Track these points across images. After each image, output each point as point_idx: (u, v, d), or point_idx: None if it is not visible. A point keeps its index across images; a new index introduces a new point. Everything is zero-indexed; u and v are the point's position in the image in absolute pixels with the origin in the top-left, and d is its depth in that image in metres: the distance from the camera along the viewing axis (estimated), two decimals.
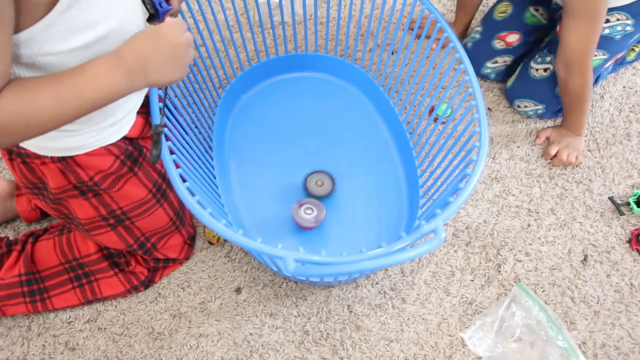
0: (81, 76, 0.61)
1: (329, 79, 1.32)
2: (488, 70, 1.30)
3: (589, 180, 1.20)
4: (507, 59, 1.28)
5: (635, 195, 1.16)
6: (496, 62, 1.28)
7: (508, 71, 1.31)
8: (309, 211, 1.06)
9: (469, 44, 1.32)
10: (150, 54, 0.65)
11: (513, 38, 1.26)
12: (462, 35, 1.43)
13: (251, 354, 0.98)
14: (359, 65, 1.29)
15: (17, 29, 0.57)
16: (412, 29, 1.40)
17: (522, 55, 1.29)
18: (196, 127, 1.11)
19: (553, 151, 1.21)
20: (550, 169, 1.21)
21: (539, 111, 1.25)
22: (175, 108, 1.00)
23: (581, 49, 1.05)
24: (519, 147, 1.24)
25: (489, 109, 1.31)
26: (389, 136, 1.22)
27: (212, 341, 1.00)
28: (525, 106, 1.25)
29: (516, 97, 1.26)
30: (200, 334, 1.01)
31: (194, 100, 1.12)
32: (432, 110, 1.22)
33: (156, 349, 0.99)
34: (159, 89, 0.88)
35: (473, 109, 0.94)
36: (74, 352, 0.99)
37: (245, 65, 1.30)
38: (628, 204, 1.16)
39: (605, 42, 1.15)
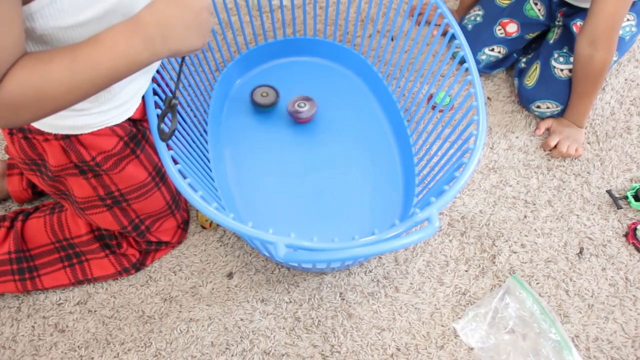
0: (97, 45, 0.57)
1: (327, 64, 1.30)
2: (483, 57, 1.27)
3: (588, 172, 1.19)
4: (502, 50, 1.26)
5: (633, 189, 1.14)
6: (493, 49, 1.26)
7: (496, 65, 1.29)
8: (302, 104, 1.17)
9: (469, 26, 1.30)
10: (171, 19, 0.60)
11: (512, 28, 1.25)
12: None
13: (241, 340, 0.98)
14: (358, 50, 1.27)
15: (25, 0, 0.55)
16: (413, 15, 1.38)
17: (512, 52, 1.29)
18: (191, 110, 1.10)
19: (553, 142, 1.20)
20: (549, 160, 1.20)
21: (556, 112, 1.22)
22: (171, 91, 0.98)
23: (612, 18, 1.04)
24: (517, 137, 1.23)
25: (488, 98, 1.29)
26: (386, 123, 1.21)
27: (203, 326, 0.99)
28: (547, 107, 1.21)
29: (539, 98, 1.21)
30: (190, 319, 1.00)
31: (189, 83, 1.10)
32: (430, 97, 1.21)
33: (146, 333, 0.98)
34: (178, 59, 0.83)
35: (471, 97, 0.92)
36: (63, 334, 0.98)
37: (242, 49, 1.28)
38: (626, 197, 1.15)
39: (618, 43, 1.13)
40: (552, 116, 1.24)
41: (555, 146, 1.20)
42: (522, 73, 1.26)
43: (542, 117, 1.25)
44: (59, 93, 0.56)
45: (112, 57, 0.58)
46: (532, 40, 1.31)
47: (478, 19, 1.29)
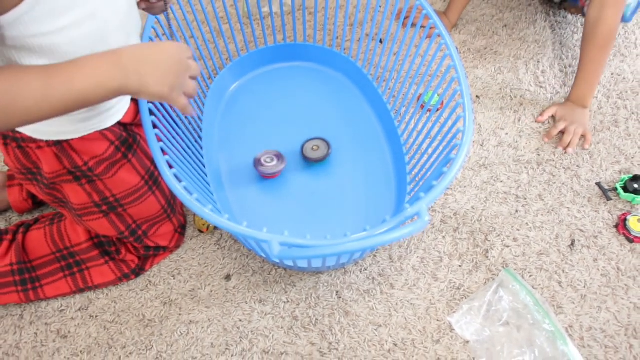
0: (73, 65, 0.60)
1: (318, 68, 1.32)
2: None
3: (577, 166, 1.21)
4: None
5: (622, 181, 1.16)
6: None
7: None
8: (269, 160, 1.12)
9: None
10: (148, 57, 0.64)
11: None
12: (454, 25, 1.44)
13: (241, 340, 1.00)
14: (347, 54, 1.30)
15: (3, 10, 0.58)
16: (399, 18, 1.41)
17: None
18: (185, 117, 1.12)
19: (561, 126, 1.23)
20: (539, 155, 1.22)
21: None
22: None
23: None
24: (507, 134, 1.25)
25: (477, 96, 1.31)
26: (377, 124, 1.23)
27: (202, 327, 1.01)
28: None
29: None
30: (190, 321, 1.02)
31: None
32: (419, 97, 1.23)
33: (147, 336, 1.00)
34: None
35: (458, 95, 0.95)
36: (65, 340, 1.00)
37: (234, 57, 1.30)
38: (615, 189, 1.16)
39: None
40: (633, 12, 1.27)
41: (563, 132, 1.22)
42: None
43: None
44: (29, 104, 0.58)
45: (85, 78, 0.60)
46: None
47: None
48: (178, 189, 0.80)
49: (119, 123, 0.86)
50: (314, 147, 1.16)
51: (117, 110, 0.84)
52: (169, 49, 0.67)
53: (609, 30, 1.15)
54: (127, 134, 0.88)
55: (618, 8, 1.13)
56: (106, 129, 0.84)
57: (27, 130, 0.79)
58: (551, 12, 1.49)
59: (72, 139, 0.81)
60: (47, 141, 0.80)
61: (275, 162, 1.12)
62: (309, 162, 1.16)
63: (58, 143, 0.80)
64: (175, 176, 0.82)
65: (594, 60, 1.19)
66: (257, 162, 1.12)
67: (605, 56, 1.18)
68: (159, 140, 0.87)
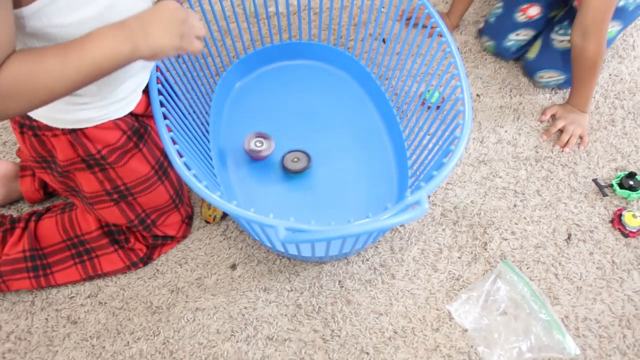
0: (86, 39, 0.64)
1: (322, 66, 1.36)
2: (510, 43, 1.34)
3: (574, 163, 1.24)
4: (529, 33, 1.33)
5: (618, 178, 1.19)
6: (518, 34, 1.33)
7: (527, 47, 1.37)
8: (259, 144, 1.17)
9: (492, 19, 1.37)
10: (150, 17, 0.68)
11: (534, 11, 1.31)
12: (456, 26, 1.47)
13: (245, 327, 1.02)
14: (351, 53, 1.33)
15: (27, 1, 0.61)
16: (402, 18, 1.44)
17: (541, 31, 1.34)
18: (194, 111, 1.15)
19: (560, 125, 1.26)
20: (537, 152, 1.25)
21: (560, 81, 1.31)
22: (175, 92, 1.04)
23: (601, 11, 1.11)
24: (506, 131, 1.28)
25: (477, 95, 1.35)
26: (380, 120, 1.26)
27: (208, 314, 1.04)
28: (550, 77, 1.30)
29: (540, 69, 1.31)
30: (196, 308, 1.04)
31: (192, 87, 1.16)
32: (420, 95, 1.26)
33: (154, 322, 1.03)
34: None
35: (458, 90, 0.98)
36: (75, 326, 1.03)
37: (241, 54, 1.34)
38: (611, 185, 1.19)
39: (620, 13, 1.20)
40: (557, 86, 1.33)
41: (562, 130, 1.26)
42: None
43: (547, 87, 1.34)
44: (50, 83, 0.62)
45: (98, 49, 0.64)
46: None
47: (499, 10, 1.36)
48: (188, 176, 0.83)
49: (131, 114, 0.90)
50: (294, 160, 1.18)
51: (130, 101, 0.88)
52: (168, 5, 0.71)
53: (594, 58, 1.16)
54: (139, 125, 0.91)
55: (600, 36, 1.13)
56: (119, 119, 0.87)
57: (43, 119, 0.82)
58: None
59: (87, 128, 0.84)
60: (62, 129, 0.83)
61: (265, 145, 1.17)
62: (290, 174, 1.19)
63: (73, 131, 0.84)
64: (185, 164, 0.85)
65: (584, 78, 1.22)
66: (249, 150, 1.16)
67: (596, 73, 1.20)
68: (170, 130, 0.90)
